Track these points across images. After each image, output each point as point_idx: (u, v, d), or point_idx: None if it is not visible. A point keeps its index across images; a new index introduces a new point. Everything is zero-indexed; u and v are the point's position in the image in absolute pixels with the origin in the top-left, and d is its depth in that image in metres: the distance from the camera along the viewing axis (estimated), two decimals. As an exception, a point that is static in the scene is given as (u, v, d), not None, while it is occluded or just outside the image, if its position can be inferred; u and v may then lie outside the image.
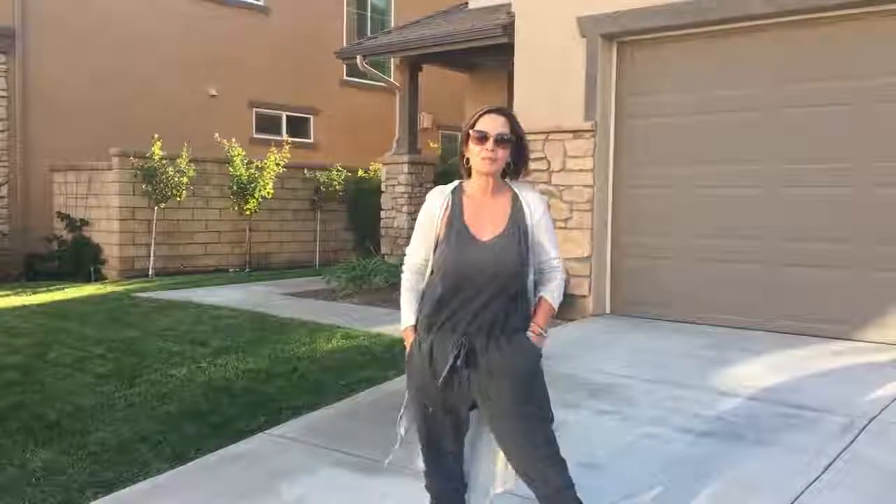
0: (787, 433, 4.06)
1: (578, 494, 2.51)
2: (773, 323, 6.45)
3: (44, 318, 7.55)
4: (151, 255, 11.44)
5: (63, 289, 9.82)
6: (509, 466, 2.59)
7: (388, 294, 8.35)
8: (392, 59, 11.59)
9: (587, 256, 7.26)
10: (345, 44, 14.56)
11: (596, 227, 7.27)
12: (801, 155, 6.37)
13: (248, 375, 5.39)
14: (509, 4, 8.37)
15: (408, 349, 2.62)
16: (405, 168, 10.61)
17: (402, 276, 2.68)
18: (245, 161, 11.87)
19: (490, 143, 2.50)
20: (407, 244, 2.73)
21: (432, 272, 2.57)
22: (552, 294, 2.61)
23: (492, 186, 2.58)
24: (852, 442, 3.91)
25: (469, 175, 2.61)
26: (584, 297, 7.28)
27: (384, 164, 11.03)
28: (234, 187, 11.86)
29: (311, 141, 15.76)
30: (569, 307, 7.24)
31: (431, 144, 13.95)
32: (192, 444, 4.13)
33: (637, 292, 7.27)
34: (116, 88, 12.84)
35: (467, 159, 2.59)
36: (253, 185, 11.82)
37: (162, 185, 11.10)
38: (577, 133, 7.29)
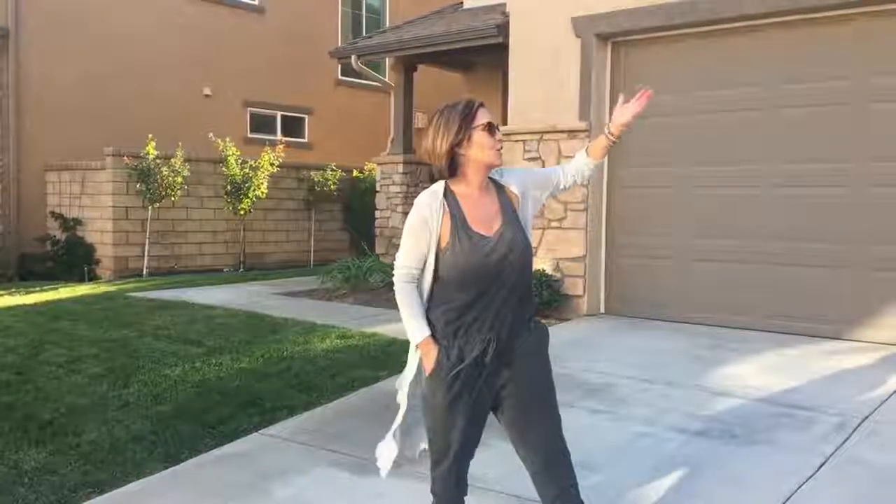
0: (780, 432, 4.08)
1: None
2: (768, 322, 6.46)
3: (37, 318, 7.51)
4: (145, 254, 11.42)
5: (57, 289, 9.78)
6: None
7: (383, 294, 8.34)
8: (387, 59, 11.56)
9: (582, 256, 7.26)
10: (339, 43, 14.51)
11: (591, 226, 7.28)
12: (797, 155, 6.38)
13: (242, 375, 5.38)
14: (504, 4, 8.37)
15: (431, 363, 2.48)
16: (400, 168, 10.60)
17: (397, 286, 2.54)
18: (239, 161, 11.86)
19: (499, 134, 2.53)
20: None
21: (437, 278, 2.50)
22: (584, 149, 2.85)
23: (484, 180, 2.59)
24: (845, 441, 3.92)
25: (454, 174, 2.53)
26: (579, 296, 7.29)
27: (379, 163, 11.01)
28: (229, 187, 11.85)
29: (306, 141, 15.74)
30: (563, 307, 7.26)
31: (426, 144, 13.91)
32: (185, 445, 4.12)
33: (632, 292, 7.28)
34: (110, 88, 12.79)
35: (455, 157, 2.50)
36: (247, 185, 11.81)
37: (156, 184, 11.08)
38: (571, 133, 7.30)
